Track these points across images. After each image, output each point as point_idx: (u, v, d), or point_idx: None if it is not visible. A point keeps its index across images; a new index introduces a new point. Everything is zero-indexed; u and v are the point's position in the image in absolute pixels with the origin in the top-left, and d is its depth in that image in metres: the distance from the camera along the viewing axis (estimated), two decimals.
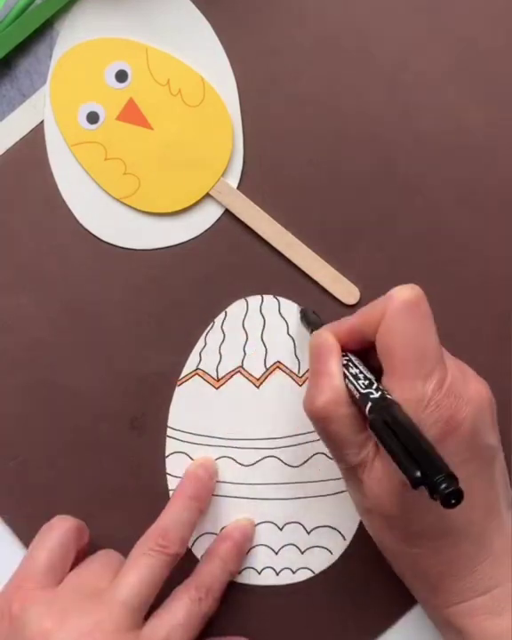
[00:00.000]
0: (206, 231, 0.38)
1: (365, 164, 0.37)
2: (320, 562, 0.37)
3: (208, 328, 0.38)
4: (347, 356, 0.31)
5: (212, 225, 0.38)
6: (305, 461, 0.37)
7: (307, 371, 0.37)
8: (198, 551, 0.37)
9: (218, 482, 0.37)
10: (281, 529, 0.37)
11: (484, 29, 0.36)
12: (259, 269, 0.38)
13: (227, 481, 0.38)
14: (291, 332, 0.37)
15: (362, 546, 0.37)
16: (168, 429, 0.38)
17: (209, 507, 0.37)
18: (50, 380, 0.39)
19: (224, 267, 0.38)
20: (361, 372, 0.30)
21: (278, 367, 0.37)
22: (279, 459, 0.37)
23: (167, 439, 0.38)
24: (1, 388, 0.39)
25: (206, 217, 0.38)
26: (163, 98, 0.37)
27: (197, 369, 0.38)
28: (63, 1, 0.37)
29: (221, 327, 0.38)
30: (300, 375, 0.37)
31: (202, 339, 0.38)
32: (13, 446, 0.39)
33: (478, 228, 0.36)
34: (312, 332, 0.33)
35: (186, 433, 0.38)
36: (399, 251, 0.37)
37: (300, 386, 0.37)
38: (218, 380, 0.38)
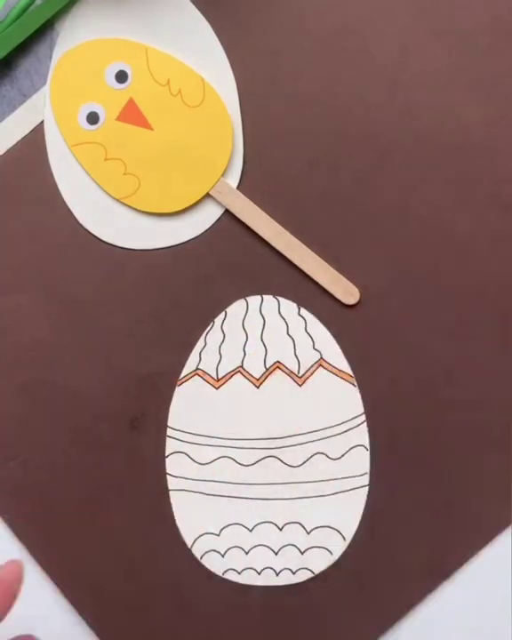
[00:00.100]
0: (206, 231, 0.38)
1: (365, 164, 0.37)
2: (320, 562, 0.37)
3: (208, 328, 0.38)
4: None
5: (212, 225, 0.38)
6: (305, 461, 0.37)
7: (307, 370, 0.37)
8: (198, 552, 0.37)
9: (218, 482, 0.37)
10: (281, 529, 0.37)
11: (484, 29, 0.36)
12: (259, 269, 0.38)
13: (227, 481, 0.38)
14: (291, 332, 0.37)
15: (362, 546, 0.37)
16: (168, 429, 0.38)
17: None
18: (50, 379, 0.39)
19: (224, 267, 0.38)
20: None
21: (278, 367, 0.37)
22: (279, 459, 0.37)
23: (167, 439, 0.38)
24: (1, 387, 0.39)
25: (206, 217, 0.38)
26: (163, 98, 0.37)
27: (197, 369, 0.38)
28: (63, 1, 0.37)
29: (221, 327, 0.38)
30: (300, 375, 0.37)
31: (202, 339, 0.38)
32: (13, 446, 0.39)
33: (478, 228, 0.36)
34: None
35: (186, 433, 0.38)
36: (399, 251, 0.37)
37: (300, 386, 0.37)
38: (218, 380, 0.38)
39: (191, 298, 0.38)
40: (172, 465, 0.38)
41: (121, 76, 0.37)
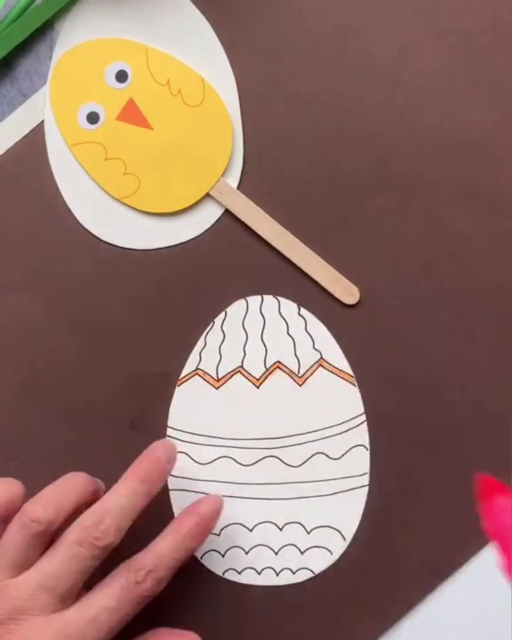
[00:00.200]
0: (206, 231, 0.38)
1: (365, 164, 0.37)
2: (320, 562, 0.37)
3: (208, 328, 0.38)
4: None
5: (212, 225, 0.38)
6: (305, 461, 0.37)
7: (307, 370, 0.37)
8: (198, 552, 0.37)
9: (218, 482, 0.37)
10: (281, 529, 0.37)
11: (484, 29, 0.36)
12: (259, 269, 0.38)
13: (227, 481, 0.38)
14: (291, 332, 0.37)
15: (362, 546, 0.37)
16: (168, 429, 0.38)
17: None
18: (50, 380, 0.39)
19: (224, 267, 0.38)
20: None
21: (278, 367, 0.37)
22: (279, 459, 0.37)
23: (167, 439, 0.38)
24: (1, 388, 0.39)
25: (206, 217, 0.38)
26: (163, 98, 0.37)
27: (197, 369, 0.38)
28: (63, 1, 0.37)
29: (221, 327, 0.38)
30: (300, 375, 0.37)
31: (202, 339, 0.38)
32: (13, 446, 0.39)
33: (478, 228, 0.36)
34: None
35: (186, 433, 0.38)
36: (399, 251, 0.37)
37: (300, 386, 0.37)
38: (218, 380, 0.38)
39: (191, 298, 0.38)
40: None
41: (121, 76, 0.37)
